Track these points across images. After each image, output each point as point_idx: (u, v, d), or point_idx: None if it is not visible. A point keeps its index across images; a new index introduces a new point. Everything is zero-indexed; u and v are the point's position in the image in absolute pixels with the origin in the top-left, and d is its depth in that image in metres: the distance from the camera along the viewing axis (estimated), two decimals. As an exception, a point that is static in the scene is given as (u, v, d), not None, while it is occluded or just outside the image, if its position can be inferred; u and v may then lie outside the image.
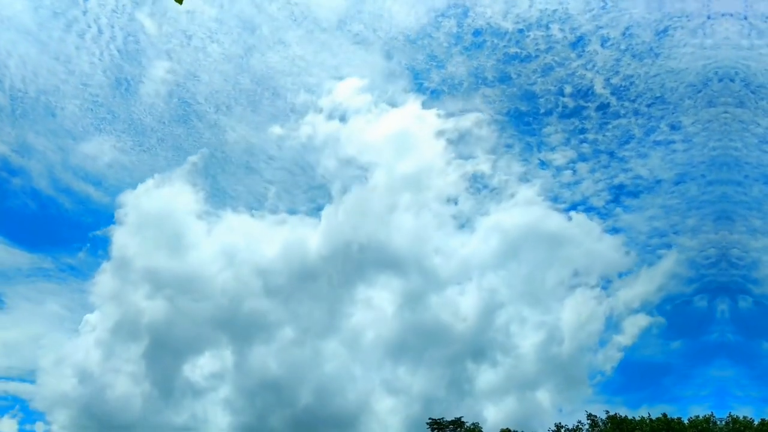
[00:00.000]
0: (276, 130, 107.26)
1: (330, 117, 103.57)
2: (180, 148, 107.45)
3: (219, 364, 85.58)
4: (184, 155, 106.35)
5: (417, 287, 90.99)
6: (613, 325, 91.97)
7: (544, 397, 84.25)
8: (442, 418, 63.12)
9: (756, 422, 56.48)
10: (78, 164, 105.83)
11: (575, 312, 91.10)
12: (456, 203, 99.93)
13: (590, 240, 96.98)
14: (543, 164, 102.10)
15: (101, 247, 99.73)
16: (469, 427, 61.36)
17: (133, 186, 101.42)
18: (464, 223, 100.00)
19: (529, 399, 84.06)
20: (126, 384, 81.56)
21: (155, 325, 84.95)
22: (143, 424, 79.75)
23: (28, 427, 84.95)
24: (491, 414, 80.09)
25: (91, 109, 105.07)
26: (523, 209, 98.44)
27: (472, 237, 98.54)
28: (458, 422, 62.47)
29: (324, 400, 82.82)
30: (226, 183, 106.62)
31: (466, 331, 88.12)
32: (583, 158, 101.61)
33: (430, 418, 63.51)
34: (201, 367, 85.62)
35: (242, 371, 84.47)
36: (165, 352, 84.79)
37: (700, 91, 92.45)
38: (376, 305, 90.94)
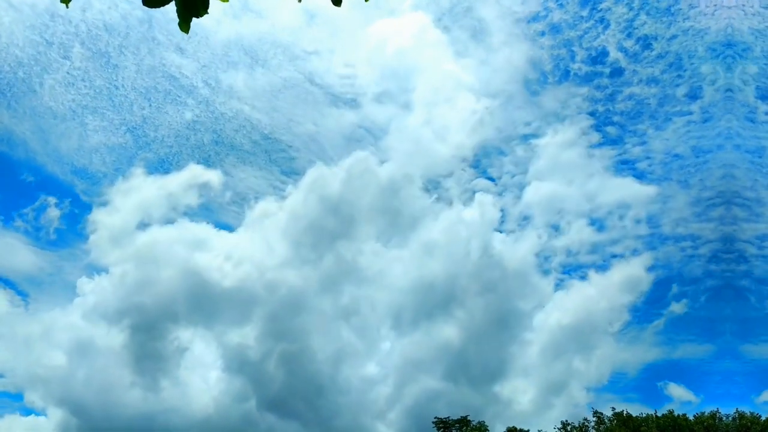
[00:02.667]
0: (270, 103, 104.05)
1: (339, 90, 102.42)
2: (170, 127, 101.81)
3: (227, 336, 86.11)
4: (173, 134, 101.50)
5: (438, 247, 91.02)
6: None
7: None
8: (448, 417, 63.38)
9: (763, 418, 56.25)
10: (62, 147, 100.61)
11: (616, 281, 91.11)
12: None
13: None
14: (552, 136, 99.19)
15: (87, 236, 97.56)
16: (475, 426, 61.50)
17: (121, 170, 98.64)
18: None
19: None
20: (124, 372, 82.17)
21: (150, 310, 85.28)
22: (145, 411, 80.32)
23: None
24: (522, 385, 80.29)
25: (72, 84, 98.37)
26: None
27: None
28: (464, 421, 62.64)
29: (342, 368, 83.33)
30: (222, 163, 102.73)
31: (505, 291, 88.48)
32: (597, 130, 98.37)
33: (435, 417, 63.80)
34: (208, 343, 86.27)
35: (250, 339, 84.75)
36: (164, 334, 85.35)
37: (720, 55, 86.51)
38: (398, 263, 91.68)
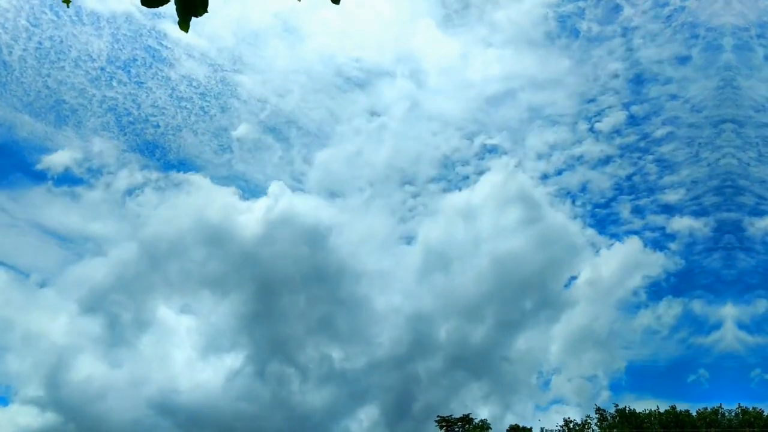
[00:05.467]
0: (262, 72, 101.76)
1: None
2: (156, 106, 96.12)
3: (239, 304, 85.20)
4: (159, 113, 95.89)
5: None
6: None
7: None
8: (450, 416, 63.60)
9: (766, 413, 56.19)
10: (37, 129, 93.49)
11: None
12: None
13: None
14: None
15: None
16: (478, 424, 61.65)
17: (106, 154, 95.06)
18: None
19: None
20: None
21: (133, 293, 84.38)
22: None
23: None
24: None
25: (46, 56, 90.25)
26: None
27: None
28: (467, 419, 62.86)
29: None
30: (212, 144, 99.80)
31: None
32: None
33: (438, 416, 64.07)
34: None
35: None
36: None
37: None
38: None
